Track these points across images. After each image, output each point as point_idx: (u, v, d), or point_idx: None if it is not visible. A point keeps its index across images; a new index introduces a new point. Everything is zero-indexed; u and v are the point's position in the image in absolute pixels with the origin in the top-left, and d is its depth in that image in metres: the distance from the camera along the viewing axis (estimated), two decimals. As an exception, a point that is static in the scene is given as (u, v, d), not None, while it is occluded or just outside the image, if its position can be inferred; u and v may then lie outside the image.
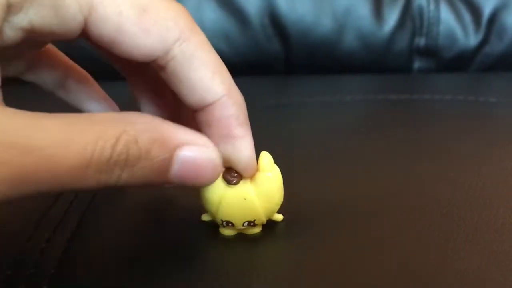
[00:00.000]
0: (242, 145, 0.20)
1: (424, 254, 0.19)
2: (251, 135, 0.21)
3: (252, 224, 0.21)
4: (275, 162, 0.21)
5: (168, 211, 0.24)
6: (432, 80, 0.50)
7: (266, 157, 0.21)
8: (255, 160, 0.21)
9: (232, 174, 0.21)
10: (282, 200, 0.21)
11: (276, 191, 0.21)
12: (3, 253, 0.20)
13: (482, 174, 0.26)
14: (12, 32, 0.18)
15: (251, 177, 0.21)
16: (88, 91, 0.26)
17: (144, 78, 0.24)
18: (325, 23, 0.52)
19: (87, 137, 0.16)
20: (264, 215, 0.21)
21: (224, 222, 0.21)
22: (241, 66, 0.50)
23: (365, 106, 0.40)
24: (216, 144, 0.20)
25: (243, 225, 0.21)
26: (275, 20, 0.52)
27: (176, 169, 0.18)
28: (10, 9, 0.17)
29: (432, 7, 0.53)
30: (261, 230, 0.22)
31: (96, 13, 0.18)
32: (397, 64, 0.54)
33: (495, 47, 0.54)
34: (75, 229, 0.22)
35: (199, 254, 0.20)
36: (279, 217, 0.22)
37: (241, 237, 0.21)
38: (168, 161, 0.18)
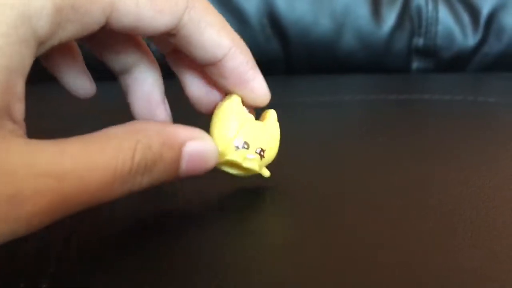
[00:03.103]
0: (257, 85, 0.23)
1: (423, 253, 0.19)
2: (261, 74, 0.23)
3: (262, 153, 0.23)
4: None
5: (168, 202, 0.24)
6: (431, 80, 0.50)
7: (273, 111, 0.24)
8: (269, 94, 0.23)
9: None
10: (276, 152, 0.24)
11: (278, 137, 0.24)
12: (1, 252, 0.20)
13: (482, 174, 0.26)
14: (40, 51, 0.18)
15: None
16: (70, 63, 0.25)
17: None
18: (324, 23, 0.52)
19: (107, 155, 0.17)
20: (268, 152, 0.23)
21: (242, 144, 0.22)
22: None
23: (364, 106, 0.40)
24: (233, 90, 0.23)
25: (255, 152, 0.23)
26: (274, 20, 0.52)
27: (184, 164, 0.20)
28: (40, 43, 0.18)
29: (430, 7, 0.53)
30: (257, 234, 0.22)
31: (117, 10, 0.19)
32: (396, 64, 0.54)
33: (493, 47, 0.54)
34: (74, 226, 0.22)
35: (196, 235, 0.20)
36: (267, 173, 0.24)
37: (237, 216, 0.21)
38: (177, 159, 0.20)
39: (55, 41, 0.18)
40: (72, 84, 0.25)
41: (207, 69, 0.23)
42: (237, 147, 0.22)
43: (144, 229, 0.22)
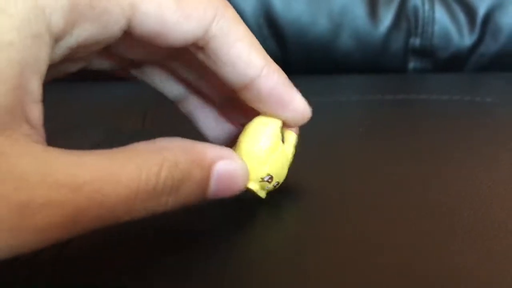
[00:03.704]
0: (297, 105, 0.21)
1: (420, 252, 0.19)
2: (297, 90, 0.22)
3: (276, 186, 0.22)
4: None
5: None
6: (428, 80, 0.50)
7: (294, 135, 0.23)
8: (310, 110, 0.22)
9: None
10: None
11: (289, 163, 0.23)
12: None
13: (480, 174, 0.26)
14: (57, 52, 0.17)
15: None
16: (206, 114, 0.25)
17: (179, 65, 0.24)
18: (321, 23, 0.52)
19: (130, 169, 0.16)
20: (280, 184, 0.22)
21: (267, 178, 0.21)
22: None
23: (361, 106, 0.40)
24: (273, 113, 0.21)
25: (273, 185, 0.22)
26: (271, 20, 0.51)
27: (213, 184, 0.19)
28: (56, 40, 0.17)
29: (427, 7, 0.53)
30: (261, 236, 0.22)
31: (138, 11, 0.18)
32: (393, 64, 0.54)
33: (490, 47, 0.54)
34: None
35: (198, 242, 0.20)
36: (263, 193, 0.23)
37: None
38: (206, 179, 0.18)
39: (72, 40, 0.17)
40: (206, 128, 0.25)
41: (241, 94, 0.21)
42: (262, 179, 0.21)
43: (142, 231, 0.22)
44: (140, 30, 0.18)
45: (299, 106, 0.21)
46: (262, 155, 0.21)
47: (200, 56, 0.20)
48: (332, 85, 0.47)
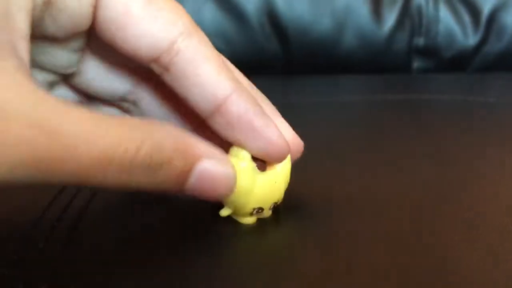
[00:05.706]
0: (271, 135, 0.20)
1: (422, 254, 0.19)
2: (277, 120, 0.21)
3: (272, 206, 0.22)
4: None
5: (172, 206, 0.24)
6: (431, 80, 0.50)
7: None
8: (298, 138, 0.22)
9: (259, 162, 0.21)
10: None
11: (286, 181, 0.22)
12: (1, 251, 0.20)
13: (481, 174, 0.26)
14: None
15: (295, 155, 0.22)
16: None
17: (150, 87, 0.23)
18: (324, 23, 0.52)
19: (113, 135, 0.16)
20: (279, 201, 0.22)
21: (255, 210, 0.21)
22: (240, 65, 0.50)
23: (364, 106, 0.40)
24: (243, 143, 0.20)
25: (269, 209, 0.21)
26: (273, 19, 0.51)
27: (193, 180, 0.18)
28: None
29: (431, 6, 0.53)
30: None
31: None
32: (396, 63, 0.54)
33: (494, 46, 0.54)
34: (74, 227, 0.22)
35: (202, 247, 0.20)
36: (268, 213, 0.22)
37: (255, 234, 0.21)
38: (187, 172, 0.18)
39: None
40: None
41: (210, 122, 0.20)
42: (252, 213, 0.21)
43: (142, 232, 0.22)
44: (105, 17, 0.18)
45: (273, 137, 0.20)
46: (241, 196, 0.20)
47: (166, 78, 0.20)
48: (334, 85, 0.47)
